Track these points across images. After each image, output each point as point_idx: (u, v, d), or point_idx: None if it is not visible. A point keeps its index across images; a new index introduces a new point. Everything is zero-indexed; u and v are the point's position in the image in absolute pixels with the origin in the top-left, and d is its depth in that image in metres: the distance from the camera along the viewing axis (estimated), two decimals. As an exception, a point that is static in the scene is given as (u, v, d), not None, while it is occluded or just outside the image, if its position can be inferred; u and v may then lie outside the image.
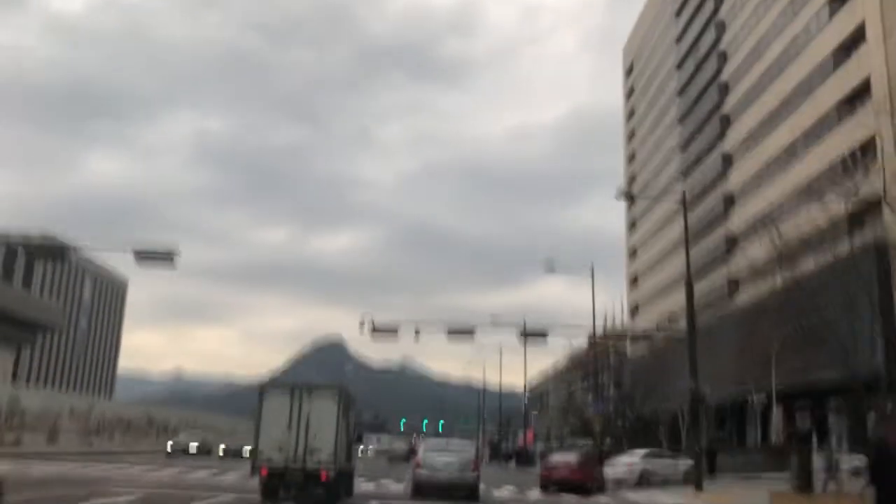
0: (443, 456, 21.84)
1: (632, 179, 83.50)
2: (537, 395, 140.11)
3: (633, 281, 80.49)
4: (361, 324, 23.61)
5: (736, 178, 56.71)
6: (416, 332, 23.45)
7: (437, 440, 29.59)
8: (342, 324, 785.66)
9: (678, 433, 46.45)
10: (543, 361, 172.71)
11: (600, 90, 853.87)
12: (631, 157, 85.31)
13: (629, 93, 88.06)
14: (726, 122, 58.87)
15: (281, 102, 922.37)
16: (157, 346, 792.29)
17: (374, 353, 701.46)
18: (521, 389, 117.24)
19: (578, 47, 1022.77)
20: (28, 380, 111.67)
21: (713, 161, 60.80)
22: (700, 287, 58.36)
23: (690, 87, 65.56)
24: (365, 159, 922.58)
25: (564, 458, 27.79)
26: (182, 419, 69.53)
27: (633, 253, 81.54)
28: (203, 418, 77.43)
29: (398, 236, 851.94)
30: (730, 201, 57.02)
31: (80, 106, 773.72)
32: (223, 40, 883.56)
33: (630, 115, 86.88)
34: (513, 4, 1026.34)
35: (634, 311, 74.18)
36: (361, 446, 68.05)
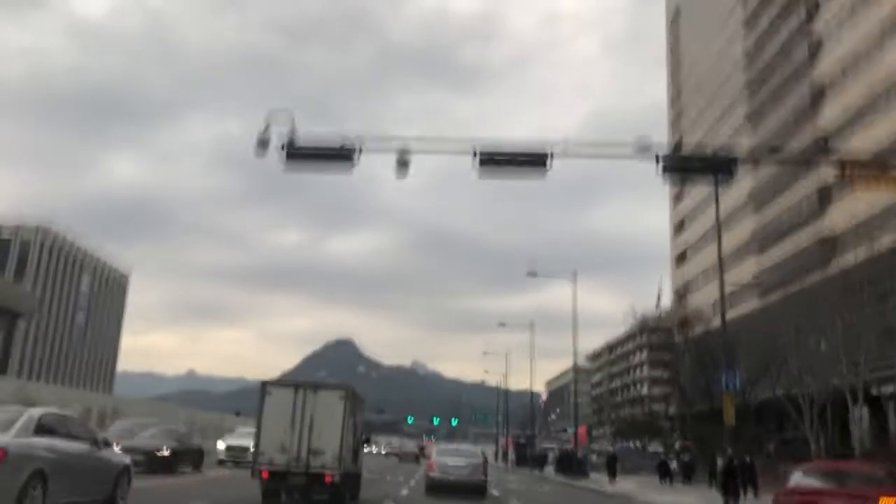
0: (454, 460, 23.19)
1: (677, 117, 71.16)
2: (557, 392, 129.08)
3: (681, 257, 68.52)
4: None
5: (831, 114, 44.24)
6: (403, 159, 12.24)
7: (448, 445, 30.85)
8: (357, 325, 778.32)
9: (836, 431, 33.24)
10: (549, 369, 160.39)
11: (620, 94, 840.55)
12: (677, 95, 72.75)
13: (674, 15, 74.84)
14: (814, 6, 46.45)
15: (299, 104, 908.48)
16: (172, 347, 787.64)
17: (386, 353, 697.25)
18: (536, 392, 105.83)
19: (599, 52, 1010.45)
20: (19, 374, 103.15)
21: (797, 56, 47.78)
22: (783, 249, 46.67)
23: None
24: (383, 162, 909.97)
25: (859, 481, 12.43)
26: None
27: (679, 226, 69.47)
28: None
29: (414, 239, 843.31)
30: (822, 138, 44.13)
31: (100, 108, 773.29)
32: (243, 43, 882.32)
33: (674, 40, 73.79)
34: (534, 9, 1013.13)
35: (682, 294, 61.89)
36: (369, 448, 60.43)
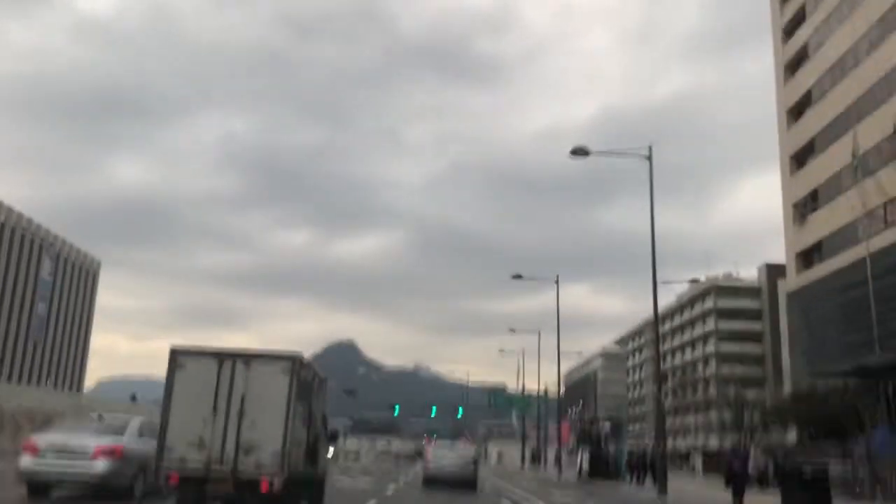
0: (448, 456, 25.61)
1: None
2: (578, 385, 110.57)
3: (798, 108, 45.33)
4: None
5: None
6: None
7: (443, 442, 34.12)
8: (359, 328, 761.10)
9: None
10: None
11: (633, 89, 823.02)
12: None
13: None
14: None
15: (307, 102, 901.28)
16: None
17: (389, 356, 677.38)
18: (545, 392, 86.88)
19: (612, 45, 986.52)
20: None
21: None
22: None
23: None
24: (390, 160, 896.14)
25: None
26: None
27: (793, 65, 46.41)
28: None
29: (422, 239, 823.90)
30: None
31: (104, 107, 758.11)
32: (250, 38, 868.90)
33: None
34: (546, 1, 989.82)
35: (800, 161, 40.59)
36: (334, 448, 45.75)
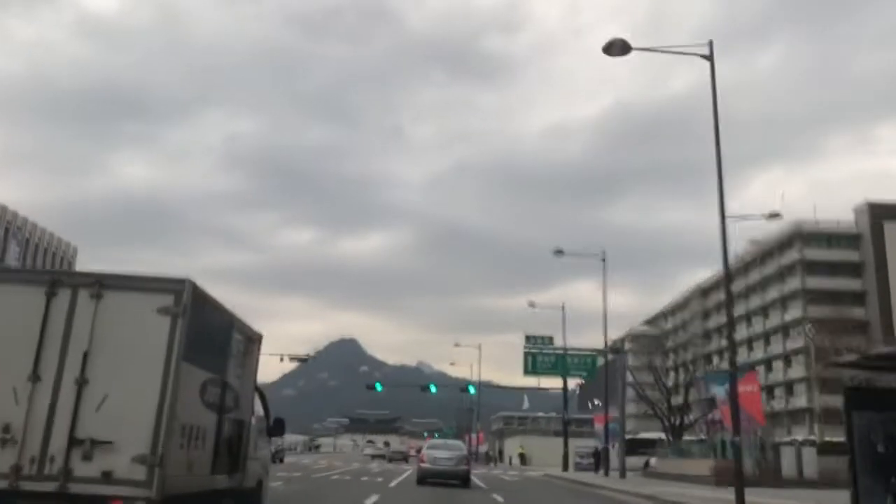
0: (442, 453, 25.79)
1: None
2: (599, 373, 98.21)
3: None
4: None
5: None
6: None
7: (437, 440, 35.73)
8: (362, 326, 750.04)
9: None
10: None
11: (643, 84, 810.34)
12: None
13: None
14: None
15: (313, 100, 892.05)
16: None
17: (392, 354, 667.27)
18: (623, 344, 74.16)
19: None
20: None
21: None
22: None
23: None
24: (397, 159, 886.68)
25: None
26: None
27: None
28: None
29: (427, 237, 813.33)
30: None
31: (110, 106, 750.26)
32: (257, 36, 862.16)
33: None
34: None
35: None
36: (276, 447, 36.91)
